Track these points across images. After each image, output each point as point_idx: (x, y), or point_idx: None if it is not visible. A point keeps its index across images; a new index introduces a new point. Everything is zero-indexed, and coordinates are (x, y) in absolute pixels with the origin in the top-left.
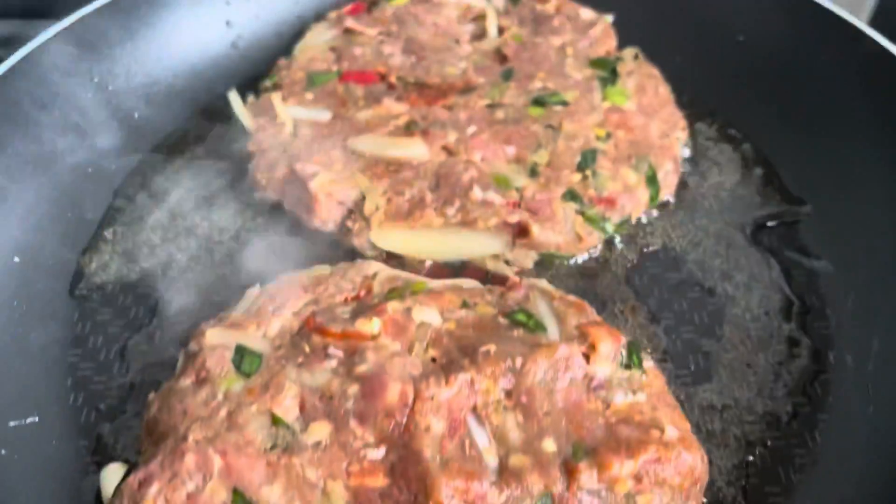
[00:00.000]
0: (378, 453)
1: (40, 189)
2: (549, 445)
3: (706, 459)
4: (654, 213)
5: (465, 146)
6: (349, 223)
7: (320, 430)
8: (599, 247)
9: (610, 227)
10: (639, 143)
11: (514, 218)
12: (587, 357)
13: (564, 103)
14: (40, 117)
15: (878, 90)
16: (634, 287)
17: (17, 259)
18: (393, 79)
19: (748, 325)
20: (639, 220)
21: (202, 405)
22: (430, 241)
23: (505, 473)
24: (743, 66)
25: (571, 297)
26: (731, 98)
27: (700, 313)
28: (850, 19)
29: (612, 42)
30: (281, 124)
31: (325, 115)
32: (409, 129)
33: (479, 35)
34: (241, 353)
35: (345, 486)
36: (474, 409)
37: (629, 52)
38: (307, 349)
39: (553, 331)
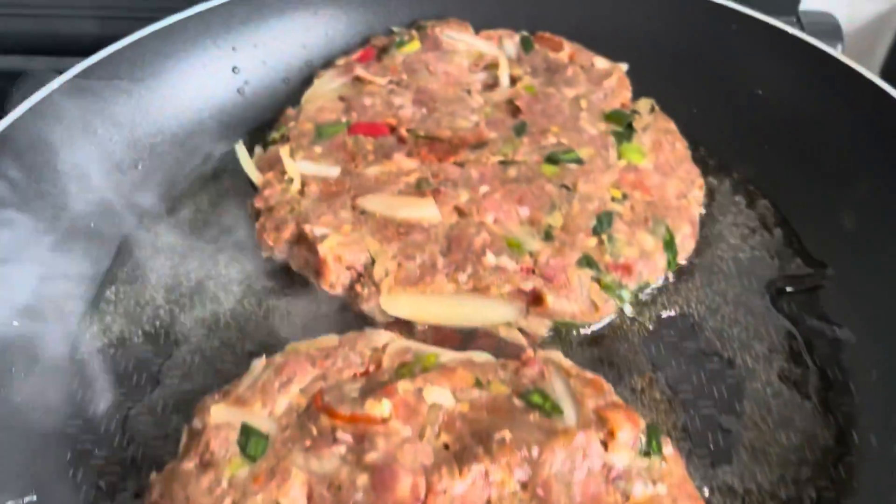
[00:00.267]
0: None
1: (40, 248)
2: None
3: None
4: (671, 276)
5: (477, 207)
6: (358, 288)
7: None
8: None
9: (626, 296)
10: (655, 205)
11: (527, 285)
12: (605, 444)
13: (579, 161)
14: (41, 173)
15: None
16: (651, 357)
17: (15, 323)
18: (403, 131)
19: (769, 400)
20: (655, 283)
21: (206, 493)
22: (442, 308)
23: None
24: (761, 120)
25: (588, 374)
26: (748, 153)
27: (719, 386)
28: (872, 77)
29: (627, 93)
30: (289, 180)
31: (333, 171)
32: (419, 188)
33: (492, 84)
34: (246, 433)
35: None
36: (489, 503)
37: (645, 104)
38: (315, 432)
39: (570, 415)
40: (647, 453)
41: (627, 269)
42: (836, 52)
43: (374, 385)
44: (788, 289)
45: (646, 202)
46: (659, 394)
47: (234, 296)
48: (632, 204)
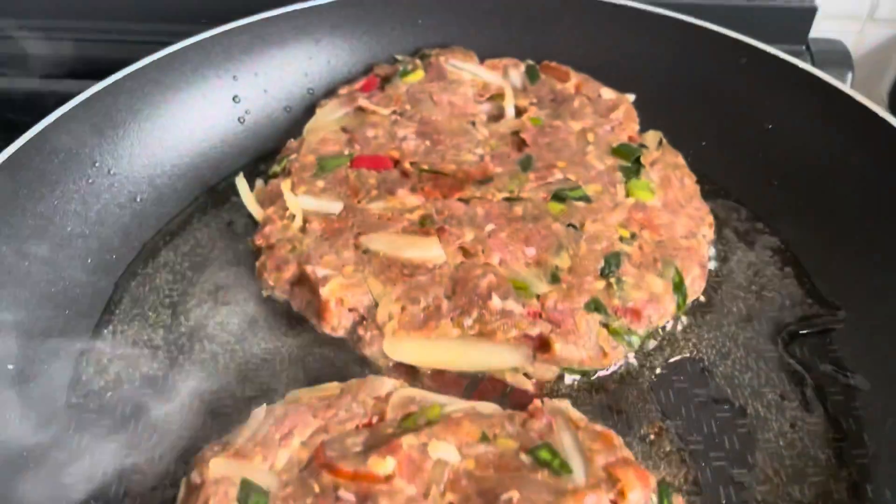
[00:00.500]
0: None
1: (36, 285)
2: None
3: None
4: (681, 319)
5: (482, 246)
6: (360, 331)
7: None
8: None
9: (636, 342)
10: (664, 245)
11: (534, 330)
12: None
13: (586, 199)
14: (37, 208)
15: None
16: (661, 404)
17: (10, 367)
18: (407, 165)
19: (782, 452)
20: (664, 326)
21: None
22: (447, 354)
23: None
24: (771, 155)
25: (598, 427)
26: (758, 188)
27: (731, 437)
28: (885, 115)
29: (634, 126)
30: (290, 216)
31: (336, 207)
32: (423, 225)
33: (497, 116)
34: (246, 489)
35: None
36: None
37: (653, 137)
38: (316, 489)
39: (579, 472)
40: None
41: (636, 314)
42: (847, 87)
43: (378, 439)
44: (800, 331)
45: (655, 242)
46: (669, 444)
47: (233, 336)
48: (640, 244)
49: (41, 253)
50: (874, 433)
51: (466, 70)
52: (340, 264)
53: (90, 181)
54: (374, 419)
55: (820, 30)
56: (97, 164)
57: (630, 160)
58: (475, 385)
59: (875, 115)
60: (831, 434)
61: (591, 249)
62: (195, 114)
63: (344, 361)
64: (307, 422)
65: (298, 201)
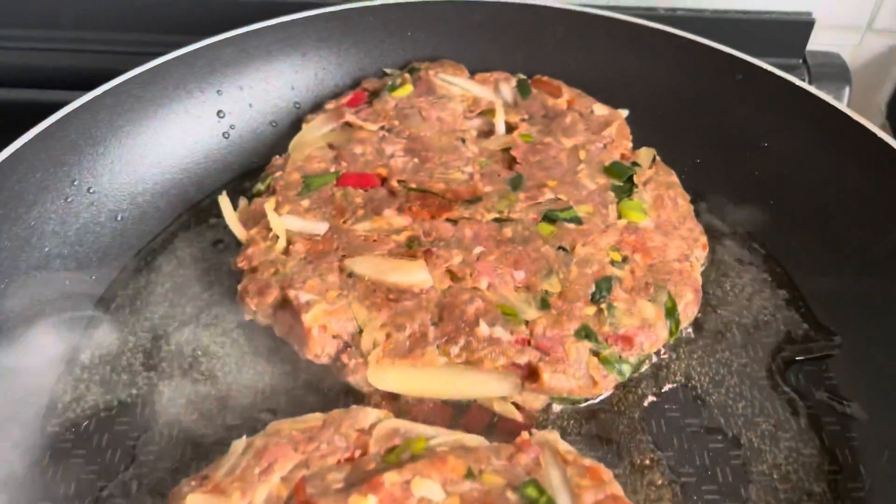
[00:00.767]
0: None
1: (13, 308)
2: None
3: None
4: (673, 345)
5: (470, 270)
6: (344, 358)
7: None
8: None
9: (627, 370)
10: (657, 269)
11: (523, 359)
12: None
13: (577, 220)
14: (13, 229)
15: None
16: (652, 434)
17: None
18: (394, 183)
19: (776, 485)
20: (657, 352)
21: None
22: (433, 382)
23: None
24: (766, 174)
25: (587, 462)
26: (753, 208)
27: (724, 469)
28: (882, 135)
29: (627, 143)
30: (274, 237)
31: (321, 228)
32: (410, 247)
33: (487, 132)
34: None
35: None
36: None
37: (646, 155)
38: None
39: None
40: None
41: (628, 341)
42: (843, 105)
43: (360, 475)
44: (796, 358)
45: (647, 265)
46: (660, 477)
47: (215, 361)
48: (632, 268)
49: (17, 274)
50: (871, 466)
51: (456, 84)
52: (324, 289)
53: (68, 200)
54: (357, 453)
55: (818, 39)
56: (76, 183)
57: (622, 179)
58: (461, 414)
59: (872, 134)
60: (826, 466)
61: (581, 273)
62: (178, 129)
63: (328, 386)
64: (288, 456)
65: (282, 222)
